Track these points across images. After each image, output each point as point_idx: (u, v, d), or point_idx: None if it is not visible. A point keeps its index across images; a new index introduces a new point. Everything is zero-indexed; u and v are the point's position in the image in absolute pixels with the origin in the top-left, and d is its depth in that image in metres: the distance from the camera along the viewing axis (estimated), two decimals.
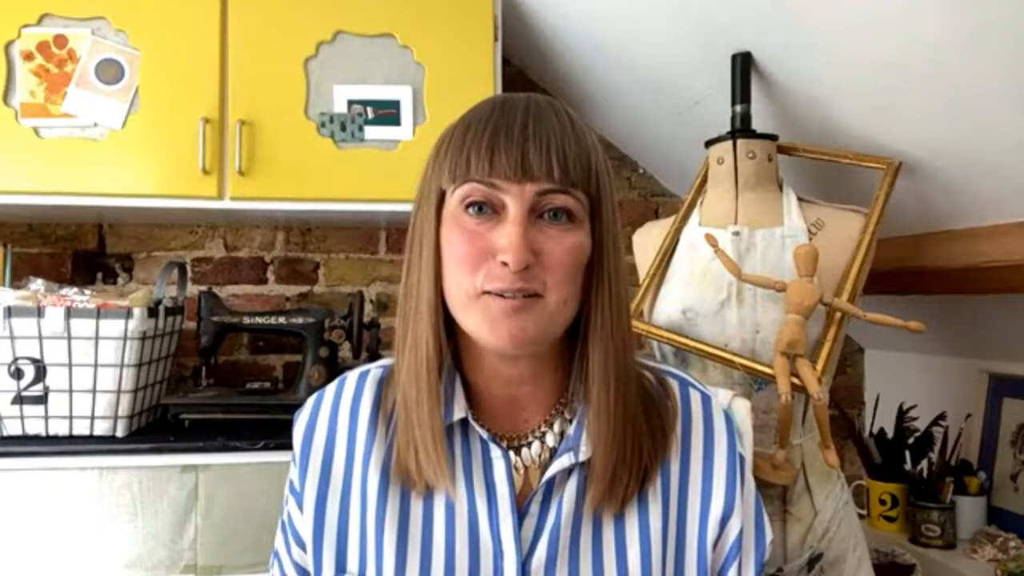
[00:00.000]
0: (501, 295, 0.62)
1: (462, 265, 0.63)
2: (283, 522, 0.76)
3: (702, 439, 0.71)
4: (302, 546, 0.73)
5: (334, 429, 0.73)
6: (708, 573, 0.69)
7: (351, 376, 0.76)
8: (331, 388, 0.76)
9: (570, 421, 0.70)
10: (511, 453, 0.70)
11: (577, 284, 0.65)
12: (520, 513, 0.67)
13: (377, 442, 0.71)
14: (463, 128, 0.66)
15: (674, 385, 0.73)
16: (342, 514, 0.70)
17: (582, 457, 0.67)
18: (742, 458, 0.73)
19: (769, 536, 0.73)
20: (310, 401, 0.76)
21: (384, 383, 0.74)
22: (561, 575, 0.66)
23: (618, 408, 0.66)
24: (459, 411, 0.69)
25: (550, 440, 0.70)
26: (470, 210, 0.64)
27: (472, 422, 0.69)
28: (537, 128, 0.63)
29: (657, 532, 0.68)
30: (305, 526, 0.72)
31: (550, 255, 0.63)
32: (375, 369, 0.76)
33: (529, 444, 0.70)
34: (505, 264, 0.61)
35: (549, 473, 0.67)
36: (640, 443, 0.67)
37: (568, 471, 0.68)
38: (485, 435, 0.69)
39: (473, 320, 0.64)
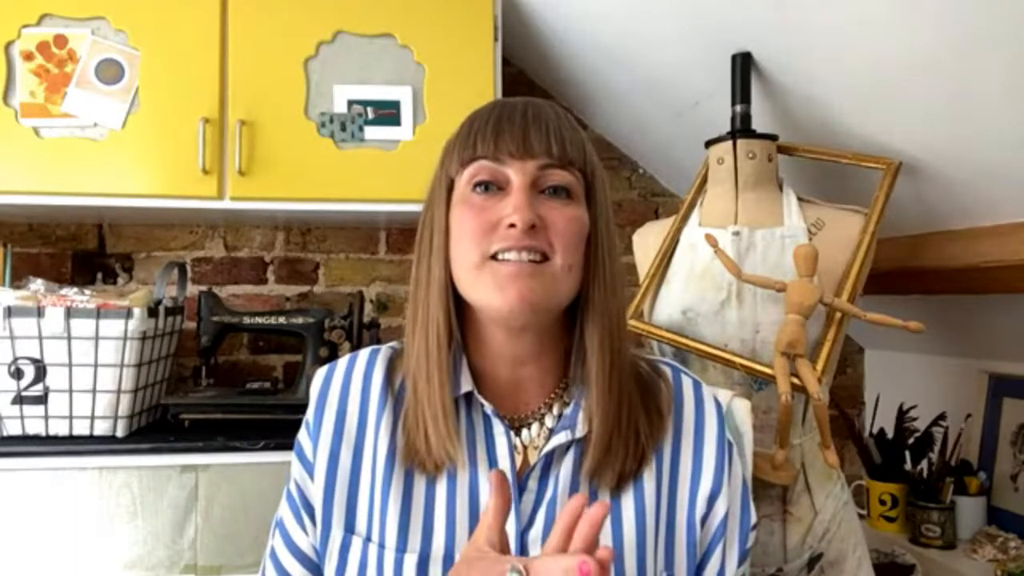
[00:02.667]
0: (509, 259, 0.66)
1: (471, 236, 0.68)
2: (288, 490, 0.77)
3: (693, 422, 0.74)
4: (310, 512, 0.74)
5: (347, 390, 0.76)
6: (696, 549, 0.71)
7: (363, 352, 0.79)
8: (344, 359, 0.79)
9: (568, 404, 0.73)
10: (512, 433, 0.72)
11: (580, 254, 0.69)
12: (519, 488, 0.70)
13: (386, 413, 0.73)
14: (468, 122, 0.73)
15: (667, 371, 0.77)
16: (353, 472, 0.73)
17: (578, 434, 0.70)
18: (731, 444, 0.75)
19: (754, 519, 0.75)
20: (324, 367, 0.79)
21: (393, 361, 0.77)
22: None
23: (613, 381, 0.69)
24: (465, 385, 0.72)
25: (549, 421, 0.73)
26: (477, 189, 0.69)
27: (477, 396, 0.72)
28: (536, 115, 0.70)
29: (651, 510, 0.70)
30: (316, 487, 0.73)
31: (554, 223, 0.68)
32: (385, 348, 0.79)
33: (529, 425, 0.73)
34: (512, 226, 0.66)
35: (548, 447, 0.70)
36: (636, 421, 0.70)
37: (566, 448, 0.71)
38: (489, 410, 0.71)
39: (483, 288, 0.67)
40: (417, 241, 0.74)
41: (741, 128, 1.33)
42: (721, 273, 1.21)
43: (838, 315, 1.16)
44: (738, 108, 1.34)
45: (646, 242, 1.39)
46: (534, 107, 0.71)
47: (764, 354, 1.18)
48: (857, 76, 1.22)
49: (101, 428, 1.44)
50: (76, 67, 1.51)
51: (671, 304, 1.27)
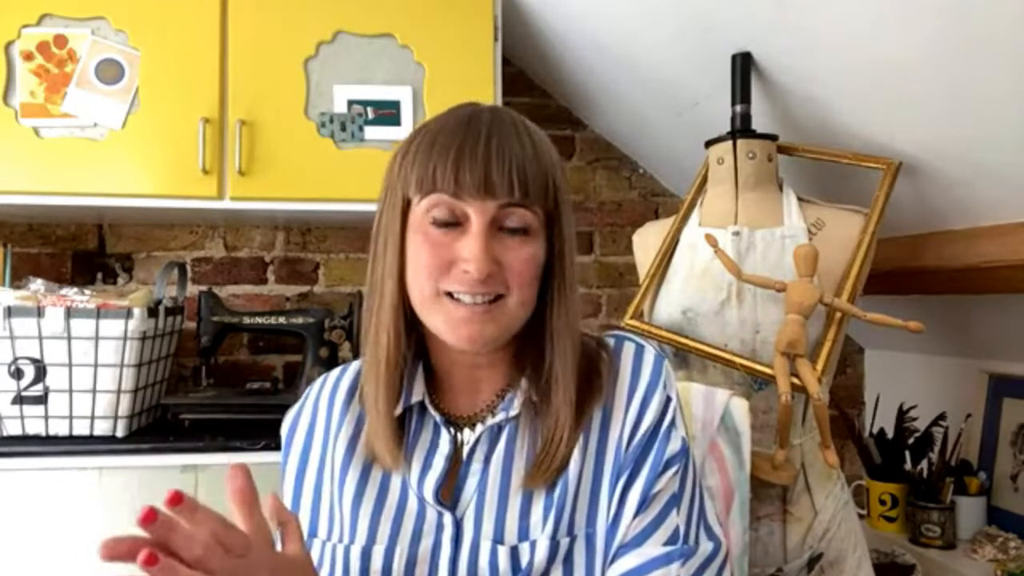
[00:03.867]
0: (463, 300, 0.67)
1: (427, 272, 0.68)
2: None
3: (627, 383, 0.74)
4: None
5: (315, 415, 0.80)
6: (615, 497, 0.70)
7: (336, 369, 0.84)
8: (318, 380, 0.84)
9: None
10: (467, 429, 0.75)
11: (535, 289, 0.71)
12: (460, 474, 0.73)
13: (348, 420, 0.77)
14: (430, 140, 0.69)
15: (610, 342, 0.77)
16: (317, 485, 0.77)
17: (512, 412, 0.72)
18: (669, 399, 0.73)
19: (674, 443, 0.71)
20: (301, 398, 0.84)
21: (362, 374, 0.80)
22: (488, 522, 0.70)
23: (574, 400, 0.71)
24: (417, 394, 0.75)
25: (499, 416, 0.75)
26: (435, 222, 0.68)
27: (428, 406, 0.75)
28: (501, 146, 0.67)
29: (572, 488, 0.70)
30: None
31: (510, 264, 0.68)
32: (357, 362, 0.82)
33: (484, 420, 0.75)
34: (467, 272, 0.67)
35: (487, 424, 0.73)
36: (584, 427, 0.71)
37: (503, 429, 0.73)
38: (439, 419, 0.74)
39: (436, 321, 0.69)
40: (372, 245, 0.73)
41: (741, 128, 1.33)
42: (721, 273, 1.21)
43: (838, 315, 1.16)
44: (738, 108, 1.34)
45: (646, 242, 1.39)
46: (499, 131, 0.68)
47: (764, 354, 1.18)
48: (857, 76, 1.22)
49: (101, 428, 1.44)
50: (76, 67, 1.51)
51: (671, 304, 1.27)
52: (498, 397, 0.75)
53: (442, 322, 0.68)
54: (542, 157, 0.70)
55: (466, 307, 0.67)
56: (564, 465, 0.70)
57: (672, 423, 0.72)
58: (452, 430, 0.74)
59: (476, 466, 0.73)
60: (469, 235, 0.67)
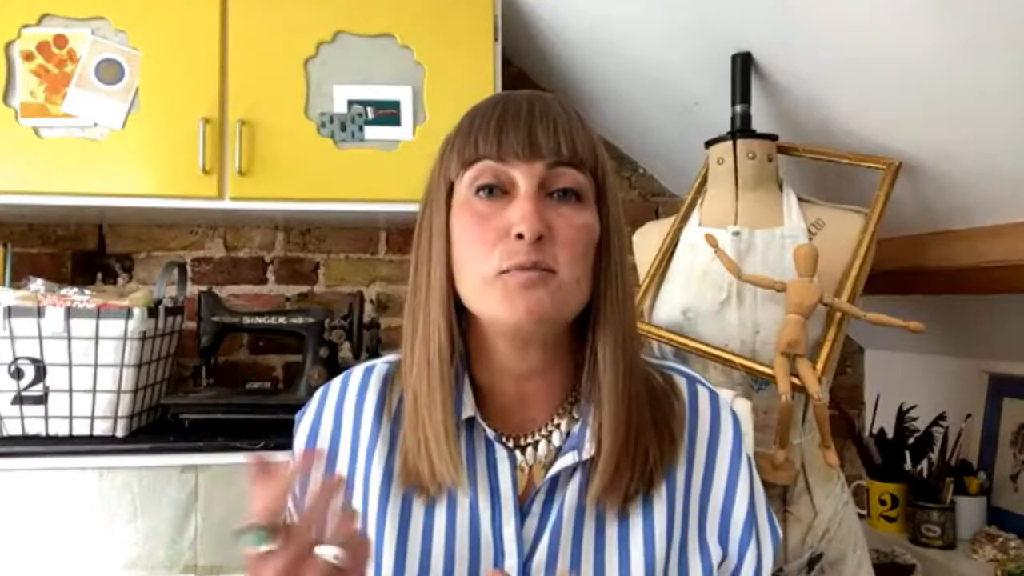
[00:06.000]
0: (518, 270, 0.61)
1: (477, 247, 0.63)
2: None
3: (707, 436, 0.70)
4: None
5: (339, 425, 0.72)
6: (713, 570, 0.68)
7: (356, 371, 0.75)
8: (336, 383, 0.75)
9: (576, 420, 0.69)
10: (517, 452, 0.69)
11: (589, 264, 0.65)
12: (522, 512, 0.66)
13: (381, 439, 0.70)
14: (469, 119, 0.67)
15: (682, 384, 0.72)
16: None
17: (585, 455, 0.66)
18: (749, 459, 0.72)
19: (779, 533, 0.72)
20: (315, 397, 0.75)
21: (389, 379, 0.73)
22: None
23: (625, 398, 0.65)
24: (467, 410, 0.67)
25: (556, 440, 0.69)
26: (481, 193, 0.64)
27: (480, 420, 0.68)
28: (543, 111, 0.65)
29: (662, 534, 0.66)
30: None
31: (561, 231, 0.63)
32: (380, 364, 0.75)
33: (536, 444, 0.69)
34: (520, 236, 0.61)
35: (553, 471, 0.66)
36: (646, 441, 0.66)
37: (572, 470, 0.67)
38: (491, 434, 0.68)
39: (491, 301, 0.62)
40: (415, 245, 0.68)
41: (741, 128, 1.33)
42: (721, 273, 1.21)
43: (838, 315, 1.16)
44: (738, 108, 1.34)
45: (646, 242, 1.39)
46: (540, 102, 0.65)
47: (764, 354, 1.18)
48: (857, 76, 1.22)
49: (101, 428, 1.44)
50: (76, 67, 1.51)
51: (671, 304, 1.27)
52: (553, 422, 0.70)
53: (499, 299, 0.61)
54: (587, 127, 0.67)
55: (521, 275, 0.61)
56: (630, 492, 0.65)
57: (768, 506, 0.72)
58: (507, 449, 0.68)
59: (536, 507, 0.67)
60: (518, 199, 0.62)
